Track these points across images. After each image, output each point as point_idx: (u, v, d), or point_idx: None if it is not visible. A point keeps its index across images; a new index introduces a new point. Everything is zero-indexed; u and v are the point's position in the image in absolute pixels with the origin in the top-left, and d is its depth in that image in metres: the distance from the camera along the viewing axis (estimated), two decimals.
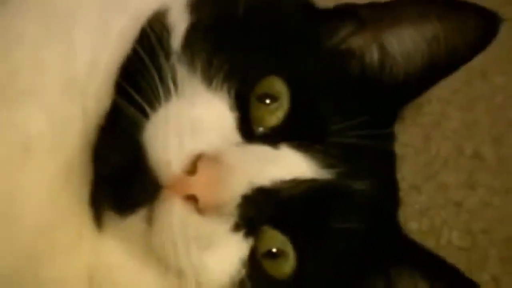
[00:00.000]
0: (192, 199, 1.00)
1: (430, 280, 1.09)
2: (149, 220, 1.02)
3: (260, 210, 1.04)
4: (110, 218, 1.06)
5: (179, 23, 1.11)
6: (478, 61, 1.10)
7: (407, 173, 1.33)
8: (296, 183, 1.05)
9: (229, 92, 1.06)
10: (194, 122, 1.04)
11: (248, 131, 1.05)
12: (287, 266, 1.06)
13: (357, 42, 1.13)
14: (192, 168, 1.00)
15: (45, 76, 1.10)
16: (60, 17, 1.11)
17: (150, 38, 1.11)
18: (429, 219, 1.32)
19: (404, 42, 1.14)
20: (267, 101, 1.05)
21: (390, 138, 1.18)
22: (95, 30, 1.13)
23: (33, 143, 1.07)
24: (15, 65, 1.07)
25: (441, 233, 1.31)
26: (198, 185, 1.00)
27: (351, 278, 1.12)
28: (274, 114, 1.06)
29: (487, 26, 1.10)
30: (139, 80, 1.07)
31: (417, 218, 1.31)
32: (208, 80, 1.06)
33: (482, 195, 1.36)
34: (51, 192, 1.06)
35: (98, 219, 1.08)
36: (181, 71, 1.06)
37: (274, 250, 1.05)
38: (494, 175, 1.40)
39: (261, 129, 1.05)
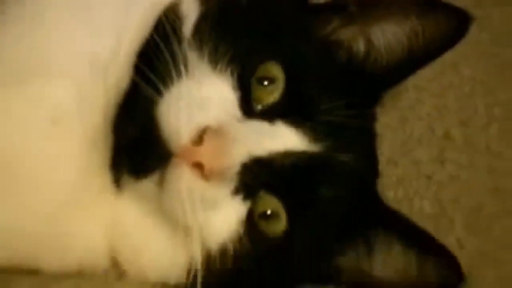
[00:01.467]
0: (198, 166, 0.98)
1: (403, 241, 1.05)
2: (161, 184, 1.01)
3: (257, 177, 1.02)
4: (127, 181, 1.05)
5: (190, 13, 1.09)
6: (450, 54, 1.09)
7: (385, 149, 1.29)
8: (288, 155, 1.03)
9: (232, 75, 1.04)
10: (201, 99, 1.02)
11: (248, 108, 1.03)
12: (279, 226, 1.04)
13: (346, 34, 1.09)
14: (199, 139, 0.98)
15: (74, 57, 1.07)
16: (89, 5, 1.08)
17: (165, 26, 1.08)
18: (404, 189, 1.29)
19: (387, 36, 1.10)
20: (265, 83, 1.03)
21: (372, 118, 1.15)
22: (118, 19, 1.10)
23: (62, 115, 1.05)
24: (48, 45, 1.05)
25: (413, 201, 1.28)
26: (204, 153, 0.98)
27: (335, 239, 1.09)
28: (271, 94, 1.03)
29: (459, 24, 1.07)
30: (154, 63, 1.05)
31: (393, 188, 1.28)
32: (214, 63, 1.04)
33: (450, 170, 1.33)
34: (78, 158, 1.05)
35: (117, 182, 1.06)
36: (191, 55, 1.04)
37: (268, 212, 1.04)
38: (460, 152, 1.37)
39: (259, 107, 1.03)
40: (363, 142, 1.13)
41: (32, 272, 1.10)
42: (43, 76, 1.05)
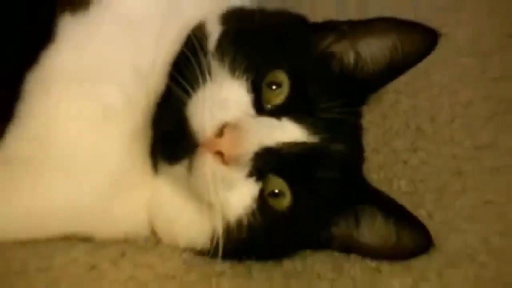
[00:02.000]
0: (219, 154, 1.05)
1: (384, 213, 1.12)
2: (189, 168, 1.08)
3: (267, 163, 1.08)
4: (163, 166, 1.12)
5: (214, 32, 1.15)
6: (422, 63, 1.16)
7: (370, 140, 1.33)
8: (292, 145, 1.09)
9: (247, 80, 1.10)
10: (222, 100, 1.09)
11: (260, 107, 1.09)
12: (285, 202, 1.10)
13: (338, 48, 1.15)
14: (220, 133, 1.05)
15: (121, 67, 1.14)
16: (137, 27, 1.14)
17: (194, 42, 1.15)
18: (384, 173, 1.34)
19: (373, 50, 1.17)
20: (274, 87, 1.09)
21: (359, 115, 1.20)
22: (158, 37, 1.16)
23: (112, 113, 1.12)
24: (103, 56, 1.12)
25: (392, 182, 1.33)
26: (224, 144, 1.05)
27: (330, 213, 1.15)
28: (278, 96, 1.09)
29: (430, 40, 1.14)
30: (184, 71, 1.11)
31: (376, 171, 1.34)
32: (233, 71, 1.10)
33: (421, 156, 1.39)
34: (123, 148, 1.12)
35: (155, 167, 1.13)
36: (214, 65, 1.10)
37: (276, 191, 1.10)
38: (430, 142, 1.42)
39: (269, 106, 1.09)
40: (353, 134, 1.19)
41: (86, 239, 1.16)
42: (98, 81, 1.11)
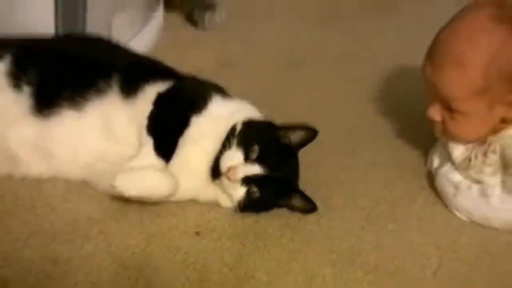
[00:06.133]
0: (229, 178, 1.89)
1: (299, 195, 2.04)
2: (220, 181, 1.95)
3: (248, 180, 1.91)
4: (213, 178, 1.99)
5: (238, 129, 1.98)
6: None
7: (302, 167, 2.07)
8: (257, 174, 1.92)
9: (244, 150, 1.92)
10: (231, 156, 1.93)
11: (247, 159, 1.89)
12: (257, 194, 1.94)
13: (284, 137, 2.01)
14: (228, 169, 1.90)
15: (199, 148, 2.00)
16: (217, 123, 1.97)
17: (229, 134, 1.97)
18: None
19: (295, 136, 2.02)
20: (253, 150, 1.92)
21: (296, 159, 2.02)
22: (215, 137, 2.01)
23: (196, 162, 1.99)
24: (190, 152, 2.02)
25: (320, 186, 2.12)
26: (230, 175, 1.88)
27: (280, 196, 2.01)
28: (254, 154, 1.92)
29: (313, 134, 2.00)
30: (225, 143, 1.96)
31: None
32: (241, 146, 1.94)
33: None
34: (207, 167, 1.97)
35: (212, 179, 1.97)
36: (233, 142, 1.96)
37: (254, 190, 1.93)
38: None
39: (251, 158, 1.91)
40: (288, 168, 2.00)
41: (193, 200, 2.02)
42: (192, 147, 1.98)
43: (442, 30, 1.93)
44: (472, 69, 1.85)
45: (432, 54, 1.93)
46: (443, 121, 1.98)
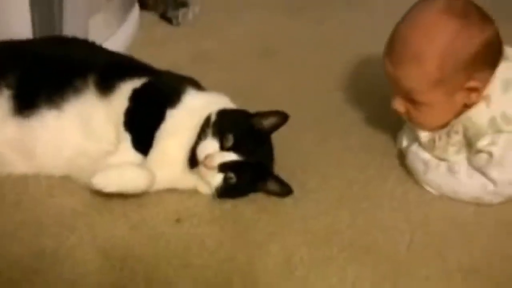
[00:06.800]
0: (206, 166, 1.91)
1: (274, 180, 2.09)
2: (198, 170, 1.97)
3: (224, 167, 1.94)
4: (190, 168, 2.00)
5: (212, 119, 2.00)
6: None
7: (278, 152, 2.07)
8: (234, 160, 1.94)
9: (219, 139, 1.96)
10: (207, 145, 1.96)
11: (222, 147, 1.93)
12: (233, 180, 1.98)
13: (256, 121, 2.05)
14: (206, 157, 1.93)
15: (176, 140, 2.02)
16: (194, 115, 1.99)
17: (204, 124, 1.99)
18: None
19: (268, 122, 2.07)
20: (228, 139, 1.95)
21: (270, 142, 2.05)
22: (190, 129, 2.04)
23: (173, 154, 2.02)
24: (167, 142, 2.02)
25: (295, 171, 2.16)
26: (207, 163, 1.92)
27: (257, 181, 2.05)
28: (229, 143, 1.96)
29: (284, 118, 2.04)
30: (201, 134, 1.99)
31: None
32: (214, 134, 1.96)
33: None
34: (184, 158, 2.00)
35: (190, 168, 1.99)
36: (209, 132, 1.98)
37: (230, 175, 1.96)
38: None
39: (226, 147, 1.94)
40: (263, 153, 2.03)
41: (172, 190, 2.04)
42: (168, 138, 2.00)
43: (398, 25, 1.97)
44: (430, 63, 1.91)
45: (391, 50, 1.98)
46: (408, 111, 2.03)
